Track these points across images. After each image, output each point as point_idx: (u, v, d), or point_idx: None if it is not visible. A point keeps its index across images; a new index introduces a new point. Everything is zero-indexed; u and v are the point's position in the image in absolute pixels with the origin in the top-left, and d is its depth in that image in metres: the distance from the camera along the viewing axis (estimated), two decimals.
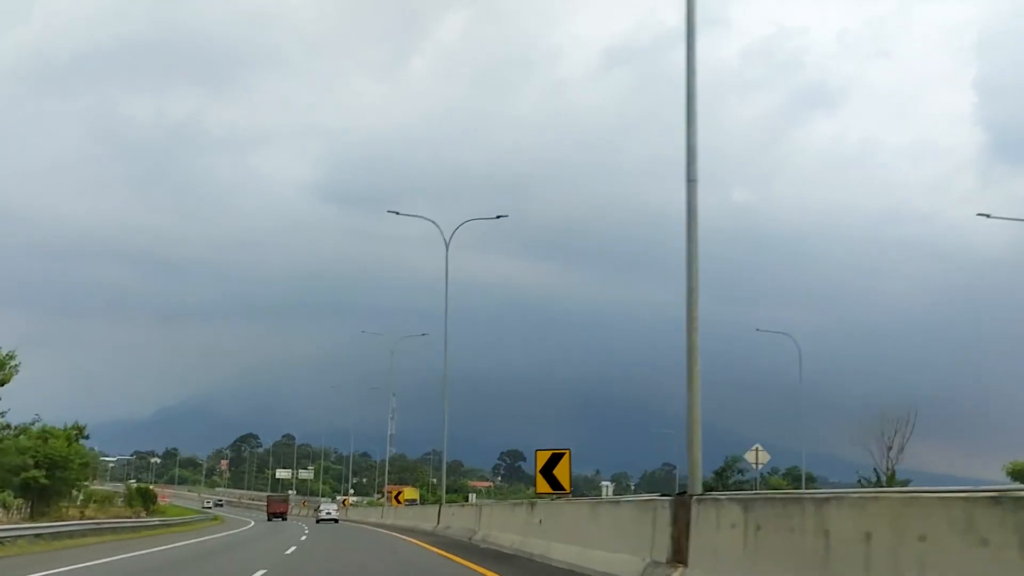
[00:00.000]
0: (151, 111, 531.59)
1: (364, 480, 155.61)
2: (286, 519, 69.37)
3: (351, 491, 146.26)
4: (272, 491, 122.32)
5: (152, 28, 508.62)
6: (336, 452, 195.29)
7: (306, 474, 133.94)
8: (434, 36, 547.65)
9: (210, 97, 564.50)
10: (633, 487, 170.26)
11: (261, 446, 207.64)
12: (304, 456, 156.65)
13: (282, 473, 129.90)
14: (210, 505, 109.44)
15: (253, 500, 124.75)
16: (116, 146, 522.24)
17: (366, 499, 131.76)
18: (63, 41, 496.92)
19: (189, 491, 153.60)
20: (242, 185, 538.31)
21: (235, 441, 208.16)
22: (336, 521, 61.99)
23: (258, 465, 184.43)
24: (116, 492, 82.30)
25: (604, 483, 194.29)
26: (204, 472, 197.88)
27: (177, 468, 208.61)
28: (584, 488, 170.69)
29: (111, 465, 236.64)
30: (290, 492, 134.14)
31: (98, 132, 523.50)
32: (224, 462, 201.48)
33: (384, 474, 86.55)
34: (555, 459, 19.19)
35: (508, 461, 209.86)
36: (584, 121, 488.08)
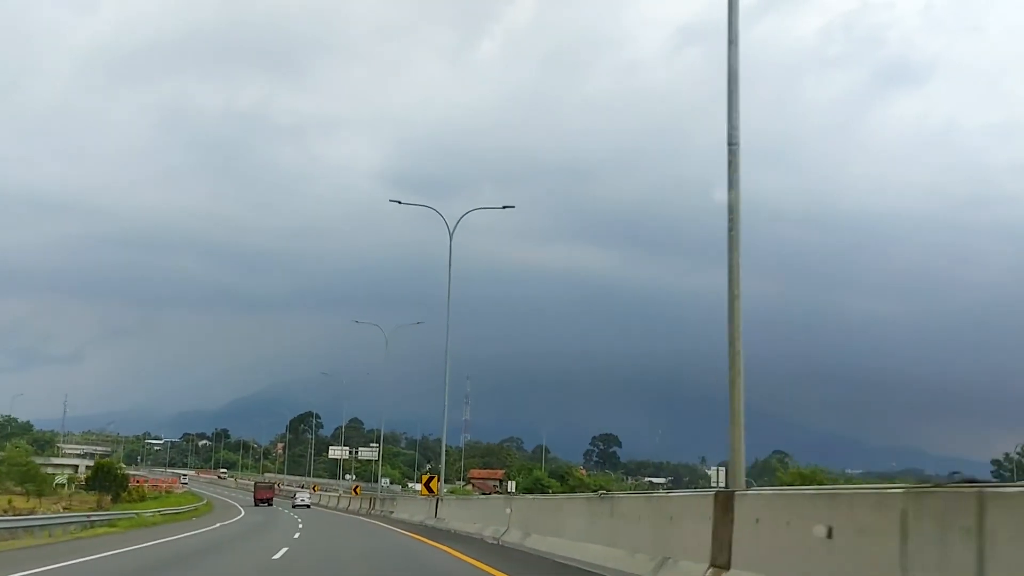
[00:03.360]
0: (221, 100, 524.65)
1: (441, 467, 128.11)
2: (272, 504, 68.90)
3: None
4: (331, 476, 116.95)
5: (220, 16, 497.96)
6: (406, 436, 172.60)
7: (368, 453, 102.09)
8: (505, 19, 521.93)
9: (279, 85, 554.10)
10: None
11: (323, 427, 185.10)
12: (370, 441, 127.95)
13: (337, 452, 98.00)
14: (186, 482, 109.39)
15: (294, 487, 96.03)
16: (187, 135, 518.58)
17: (447, 487, 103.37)
18: (134, 31, 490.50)
19: (223, 475, 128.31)
20: (310, 173, 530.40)
21: (293, 420, 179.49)
22: (308, 507, 61.61)
23: (318, 448, 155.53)
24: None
25: (711, 470, 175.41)
26: (251, 455, 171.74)
27: (223, 451, 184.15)
28: (687, 476, 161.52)
29: (156, 448, 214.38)
30: (348, 477, 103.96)
31: (169, 122, 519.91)
32: (280, 444, 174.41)
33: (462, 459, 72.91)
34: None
35: (601, 446, 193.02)
36: (654, 103, 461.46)
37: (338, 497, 64.37)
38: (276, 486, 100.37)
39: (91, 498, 58.80)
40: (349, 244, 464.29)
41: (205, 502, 63.88)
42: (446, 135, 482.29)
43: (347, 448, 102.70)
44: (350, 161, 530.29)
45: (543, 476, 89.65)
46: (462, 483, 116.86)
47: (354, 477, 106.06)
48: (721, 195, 10.79)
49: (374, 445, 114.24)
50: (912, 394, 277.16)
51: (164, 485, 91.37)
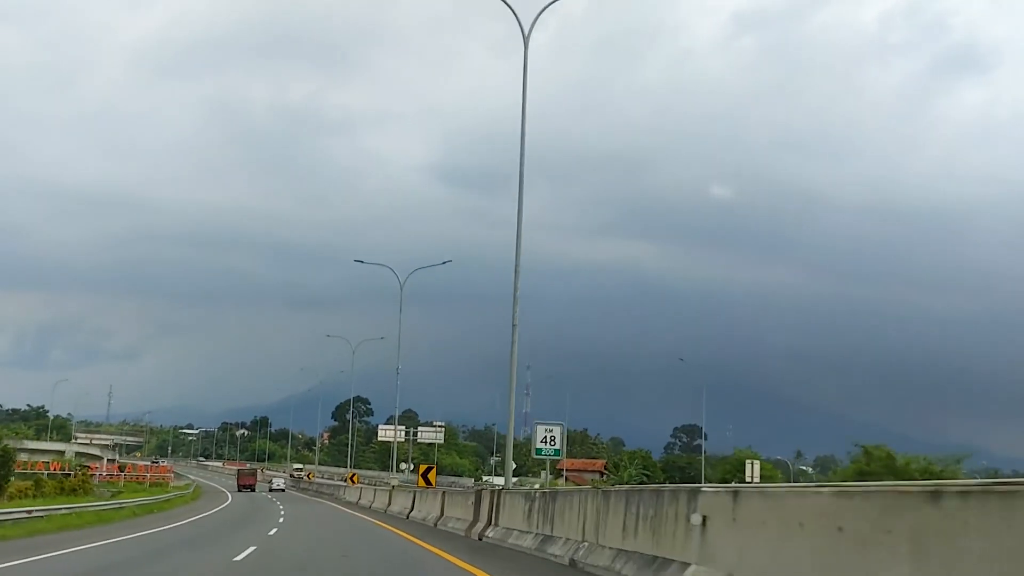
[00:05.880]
0: (270, 95, 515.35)
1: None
2: (254, 490, 71.87)
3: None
4: (383, 468, 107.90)
5: (269, 9, 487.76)
6: (465, 428, 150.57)
7: (431, 435, 75.93)
8: (558, 9, 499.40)
9: (328, 79, 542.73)
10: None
11: (372, 413, 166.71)
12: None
13: (389, 433, 71.37)
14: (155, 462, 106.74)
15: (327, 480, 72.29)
16: (236, 131, 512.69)
17: (535, 480, 79.30)
18: (185, 27, 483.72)
19: (296, 472, 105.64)
20: (360, 168, 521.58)
21: (340, 405, 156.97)
22: (283, 491, 68.06)
23: (368, 437, 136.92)
24: None
25: (804, 467, 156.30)
26: (294, 445, 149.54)
27: (260, 440, 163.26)
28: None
29: (190, 439, 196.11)
30: (404, 466, 77.81)
31: (218, 117, 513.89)
32: (325, 434, 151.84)
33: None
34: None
35: (684, 439, 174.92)
36: (710, 91, 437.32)
37: (389, 494, 36.90)
38: (309, 476, 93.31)
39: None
40: (399, 238, 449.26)
41: (170, 499, 39.70)
42: (497, 127, 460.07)
43: (403, 428, 76.15)
44: (401, 155, 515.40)
45: (758, 457, 60.31)
46: (553, 477, 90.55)
47: (412, 468, 79.50)
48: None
49: (439, 424, 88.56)
50: (968, 390, 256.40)
51: (149, 475, 67.20)
